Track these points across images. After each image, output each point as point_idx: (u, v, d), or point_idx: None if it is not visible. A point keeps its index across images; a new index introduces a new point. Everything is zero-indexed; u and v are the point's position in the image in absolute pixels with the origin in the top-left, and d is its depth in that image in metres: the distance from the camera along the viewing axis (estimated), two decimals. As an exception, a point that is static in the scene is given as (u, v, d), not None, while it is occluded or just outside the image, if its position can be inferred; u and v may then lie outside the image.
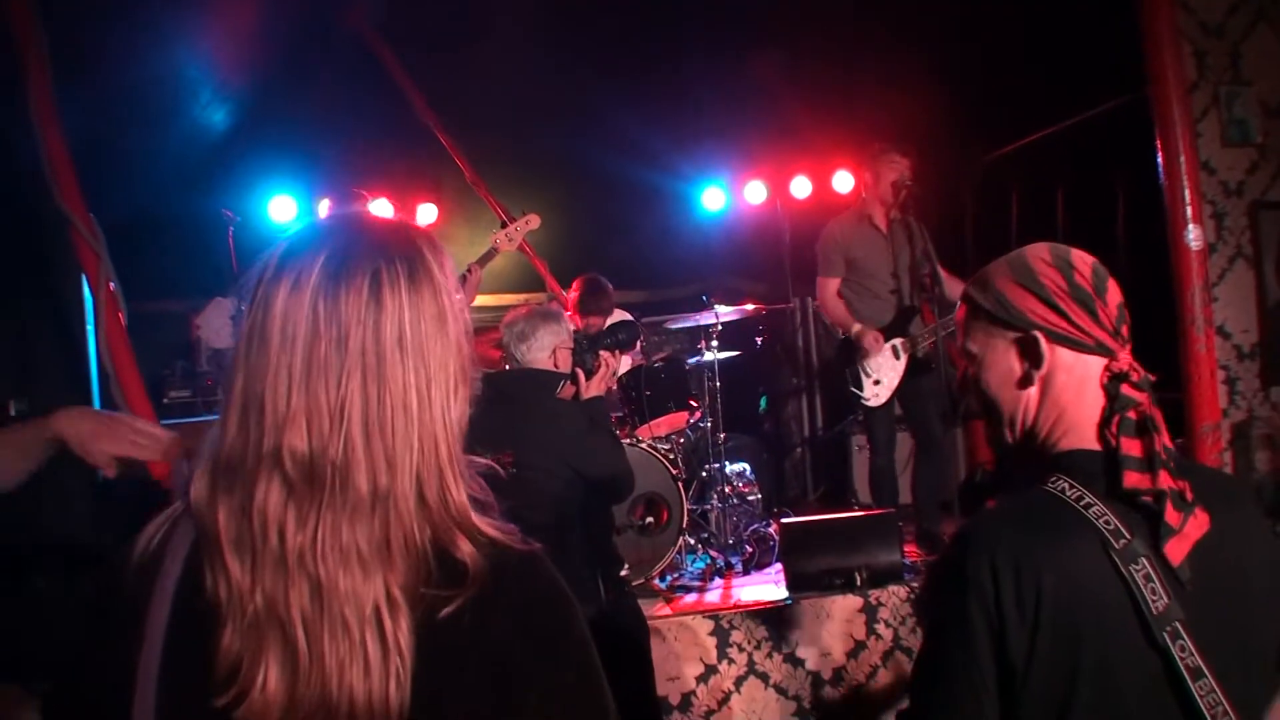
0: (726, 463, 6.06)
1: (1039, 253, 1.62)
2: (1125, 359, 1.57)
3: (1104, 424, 1.54)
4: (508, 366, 4.08)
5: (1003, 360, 1.63)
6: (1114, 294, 1.59)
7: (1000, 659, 1.42)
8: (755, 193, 8.36)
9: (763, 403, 7.12)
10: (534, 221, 5.34)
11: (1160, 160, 4.50)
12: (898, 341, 5.53)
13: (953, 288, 5.27)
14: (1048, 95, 6.56)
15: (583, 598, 3.75)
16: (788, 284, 8.50)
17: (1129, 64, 5.51)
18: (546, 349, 3.98)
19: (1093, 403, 1.56)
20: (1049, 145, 6.99)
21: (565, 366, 4.03)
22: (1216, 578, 1.47)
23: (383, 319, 1.16)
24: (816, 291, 5.88)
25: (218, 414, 1.19)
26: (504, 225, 5.31)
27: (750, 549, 5.61)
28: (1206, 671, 1.40)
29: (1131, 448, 1.49)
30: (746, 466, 6.38)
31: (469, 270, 5.00)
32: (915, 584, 4.62)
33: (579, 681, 1.20)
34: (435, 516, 1.17)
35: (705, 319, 6.12)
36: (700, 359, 6.14)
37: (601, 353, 4.20)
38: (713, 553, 5.66)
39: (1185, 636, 1.41)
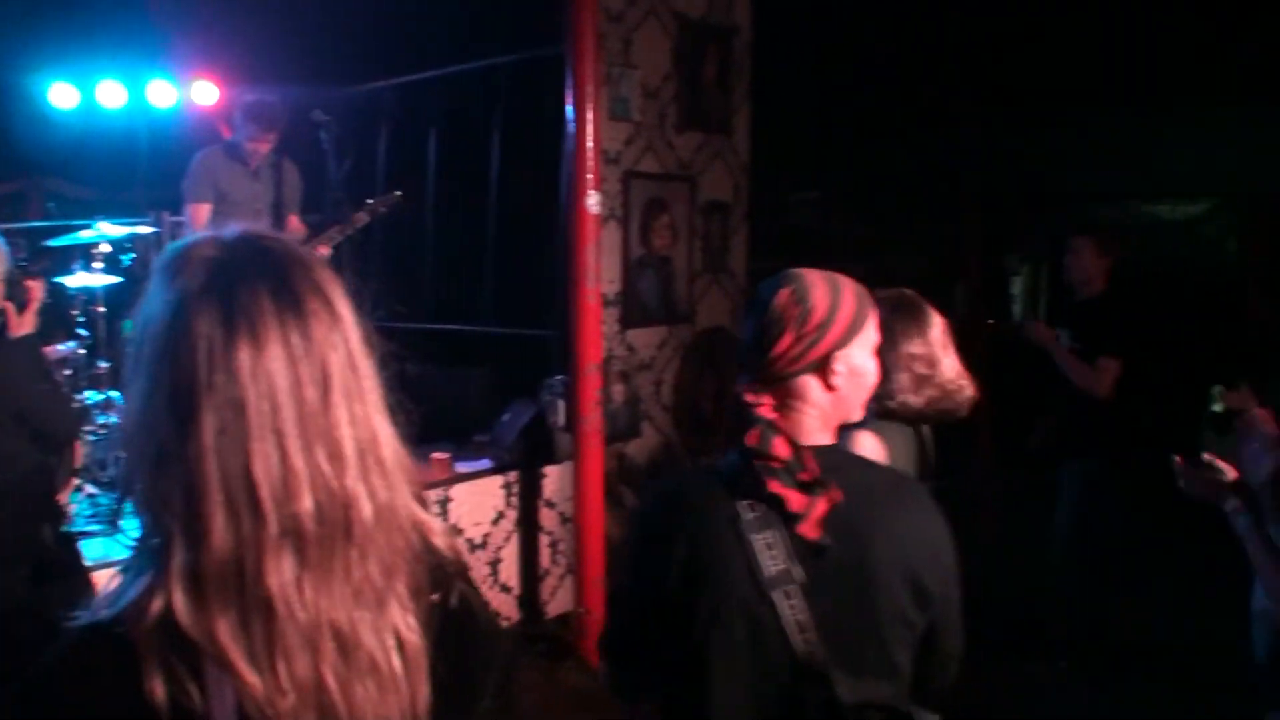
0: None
1: None
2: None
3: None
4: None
5: None
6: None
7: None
8: (111, 95, 7.66)
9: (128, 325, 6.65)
10: None
11: (574, 129, 5.01)
12: None
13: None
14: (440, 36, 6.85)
15: (38, 558, 3.42)
16: (145, 196, 7.92)
17: (505, 26, 6.06)
18: (-12, 282, 3.45)
19: None
20: (427, 86, 7.27)
21: (1, 302, 3.53)
22: (844, 561, 1.76)
23: (346, 331, 1.08)
24: (189, 215, 5.83)
25: (160, 518, 1.00)
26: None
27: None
28: (811, 626, 1.73)
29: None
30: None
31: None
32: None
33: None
34: (414, 508, 1.14)
35: (87, 236, 5.56)
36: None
37: (26, 281, 3.75)
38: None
39: (799, 597, 1.73)
